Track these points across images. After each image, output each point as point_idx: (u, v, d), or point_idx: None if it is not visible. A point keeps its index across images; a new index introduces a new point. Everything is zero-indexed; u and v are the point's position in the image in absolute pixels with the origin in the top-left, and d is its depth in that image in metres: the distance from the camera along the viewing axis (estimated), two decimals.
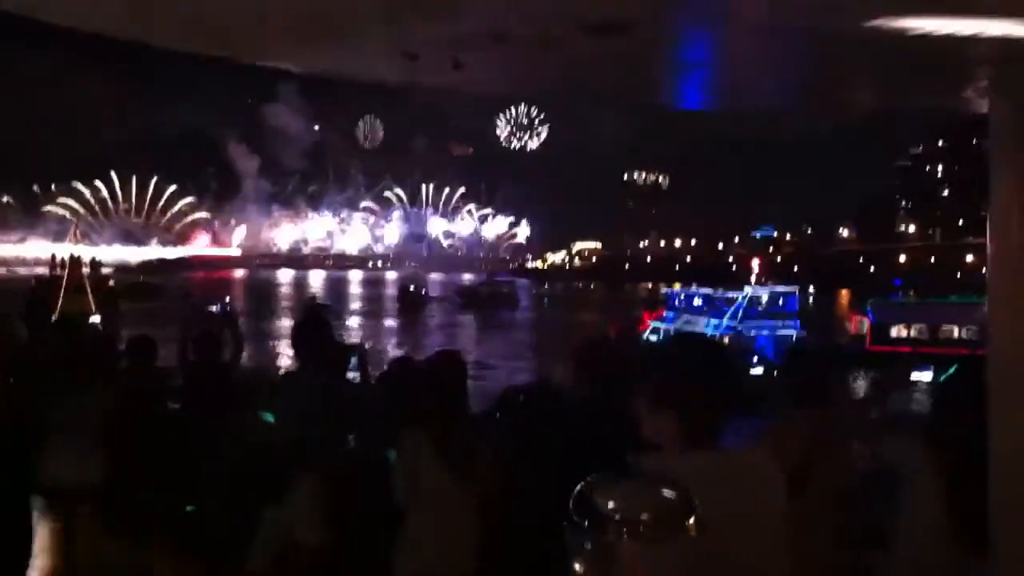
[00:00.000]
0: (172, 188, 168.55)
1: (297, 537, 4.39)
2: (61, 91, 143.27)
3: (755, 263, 42.53)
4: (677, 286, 55.49)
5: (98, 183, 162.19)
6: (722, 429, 2.26)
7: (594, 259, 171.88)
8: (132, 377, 5.56)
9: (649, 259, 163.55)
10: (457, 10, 2.16)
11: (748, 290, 38.18)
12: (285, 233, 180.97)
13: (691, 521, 1.62)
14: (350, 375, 5.62)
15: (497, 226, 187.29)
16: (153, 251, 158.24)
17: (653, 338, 33.40)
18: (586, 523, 1.60)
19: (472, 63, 2.50)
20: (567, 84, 3.39)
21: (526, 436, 4.34)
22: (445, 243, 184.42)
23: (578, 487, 1.63)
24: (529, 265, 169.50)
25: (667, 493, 1.67)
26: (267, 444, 4.85)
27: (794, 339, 34.20)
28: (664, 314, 39.02)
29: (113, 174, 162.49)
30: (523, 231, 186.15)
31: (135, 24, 2.59)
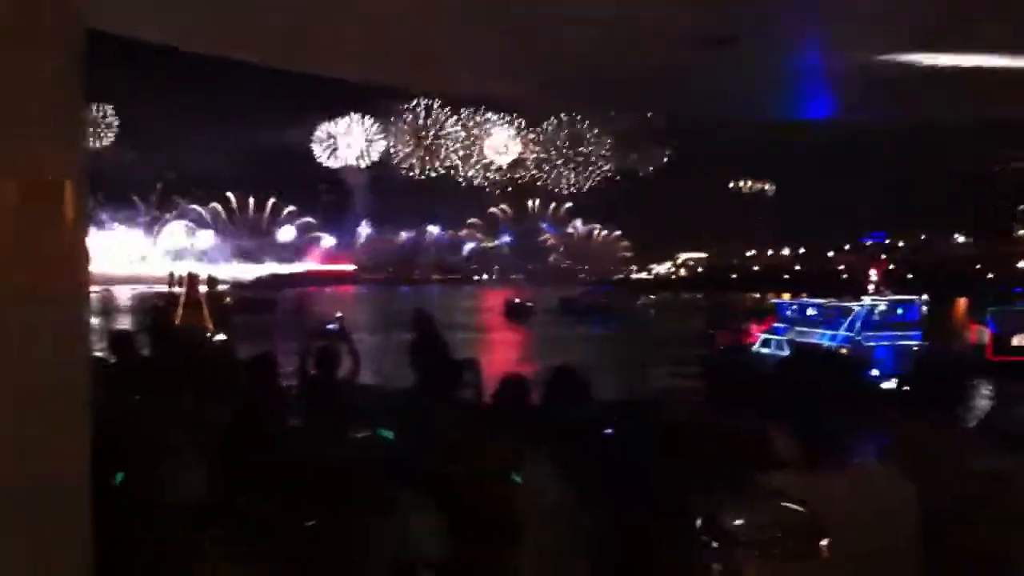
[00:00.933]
0: (289, 208, 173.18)
1: (419, 553, 4.42)
2: (176, 110, 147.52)
3: (872, 272, 41.16)
4: (786, 296, 54.16)
5: (215, 204, 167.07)
6: (849, 444, 2.19)
7: (700, 269, 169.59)
8: (252, 392, 5.69)
9: (756, 268, 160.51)
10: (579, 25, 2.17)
11: (867, 299, 37.05)
12: (393, 248, 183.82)
13: (822, 540, 1.57)
14: (465, 390, 5.66)
15: (602, 237, 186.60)
16: (268, 267, 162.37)
17: (764, 350, 32.75)
18: (715, 543, 1.57)
19: (584, 79, 2.51)
20: (680, 98, 3.37)
21: (646, 452, 4.28)
22: (551, 256, 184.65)
23: (706, 506, 1.60)
24: (634, 276, 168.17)
25: (795, 511, 1.63)
26: (386, 460, 4.92)
27: (915, 350, 33.03)
28: (775, 325, 38.15)
29: (230, 194, 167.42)
30: (627, 242, 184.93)
31: (239, 43, 2.67)
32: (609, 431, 5.05)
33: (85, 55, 1.40)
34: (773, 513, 1.69)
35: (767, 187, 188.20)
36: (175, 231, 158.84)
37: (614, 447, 4.58)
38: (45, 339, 1.44)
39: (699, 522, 1.64)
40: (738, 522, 1.64)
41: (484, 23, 2.28)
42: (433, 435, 4.68)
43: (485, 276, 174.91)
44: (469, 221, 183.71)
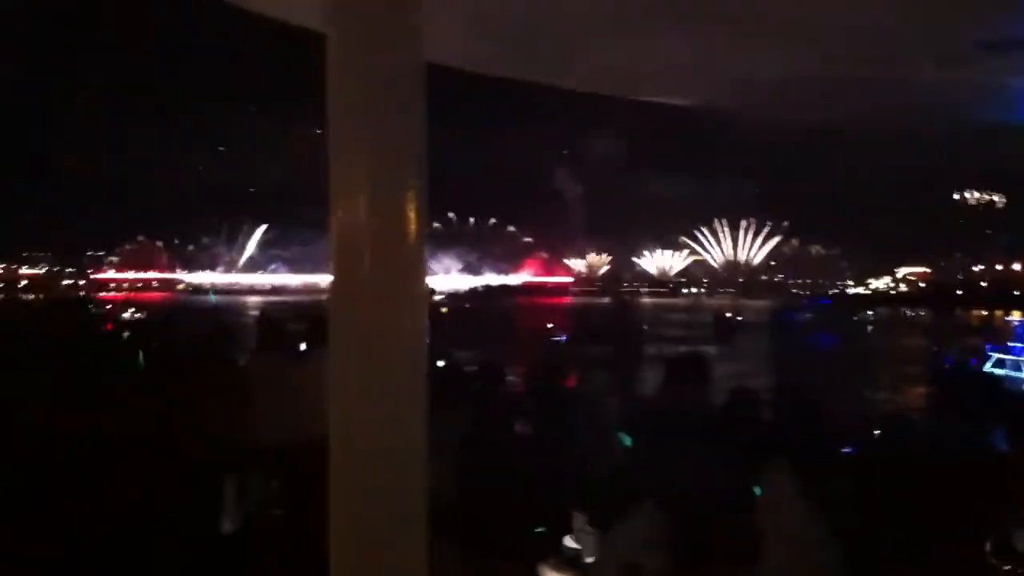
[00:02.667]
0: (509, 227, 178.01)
1: (638, 562, 4.48)
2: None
3: None
4: (1017, 314, 50.56)
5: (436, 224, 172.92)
6: None
7: (921, 284, 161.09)
8: (485, 399, 5.90)
9: (984, 284, 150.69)
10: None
11: None
12: (604, 261, 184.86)
13: None
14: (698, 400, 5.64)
15: (814, 251, 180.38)
16: (485, 279, 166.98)
17: (998, 371, 30.78)
18: (1006, 567, 1.56)
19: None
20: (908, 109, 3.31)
21: (887, 469, 4.18)
22: (763, 274, 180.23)
23: (994, 531, 1.58)
24: (850, 291, 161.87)
25: None
26: (619, 466, 5.02)
27: None
28: (1009, 344, 35.69)
29: (451, 215, 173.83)
30: (841, 256, 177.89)
31: (514, 62, 2.85)
32: (849, 449, 4.95)
33: (426, 86, 1.59)
34: None
35: (996, 198, 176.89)
36: None
37: (856, 461, 4.49)
38: (391, 338, 1.62)
39: (988, 546, 1.65)
40: None
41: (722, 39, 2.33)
42: (669, 445, 4.71)
43: (694, 289, 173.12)
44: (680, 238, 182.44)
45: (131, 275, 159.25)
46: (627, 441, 5.24)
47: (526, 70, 2.80)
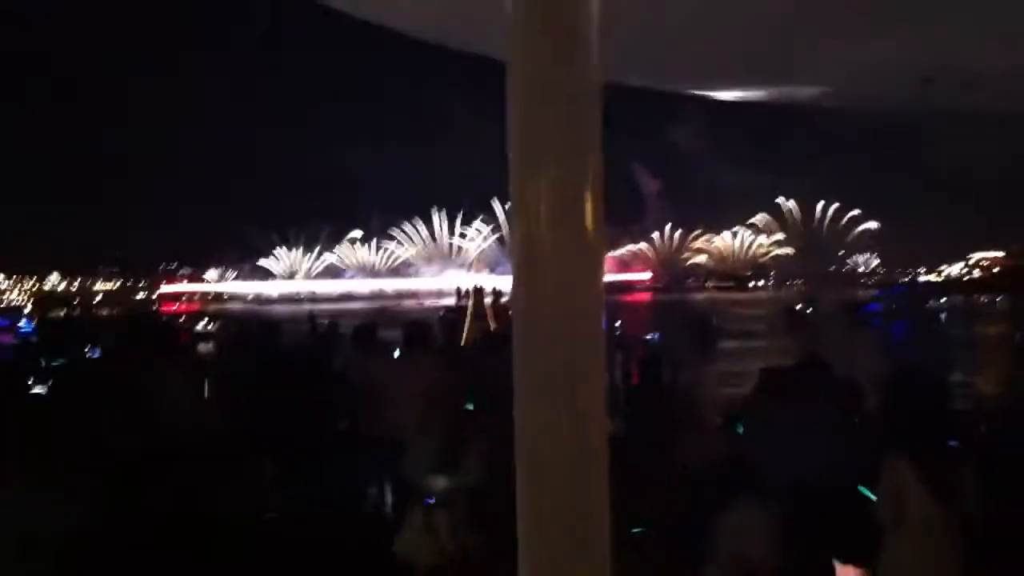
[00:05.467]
0: None
1: (744, 552, 4.52)
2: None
3: None
4: None
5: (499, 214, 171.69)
6: None
7: (996, 269, 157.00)
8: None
9: None
10: None
11: None
12: (669, 256, 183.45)
13: None
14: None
15: (881, 239, 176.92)
16: None
17: None
18: None
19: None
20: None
21: (1004, 460, 4.16)
22: (830, 264, 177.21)
23: None
24: (921, 278, 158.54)
25: None
26: (725, 461, 5.05)
27: None
28: None
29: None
30: (911, 242, 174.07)
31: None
32: (954, 442, 4.88)
33: (602, 106, 1.70)
34: None
35: None
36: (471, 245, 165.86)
37: (976, 453, 4.43)
38: (571, 341, 1.73)
39: None
40: None
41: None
42: (780, 442, 4.74)
43: (762, 282, 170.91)
44: (749, 221, 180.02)
45: (202, 287, 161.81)
46: (739, 428, 5.28)
47: (694, 84, 2.88)
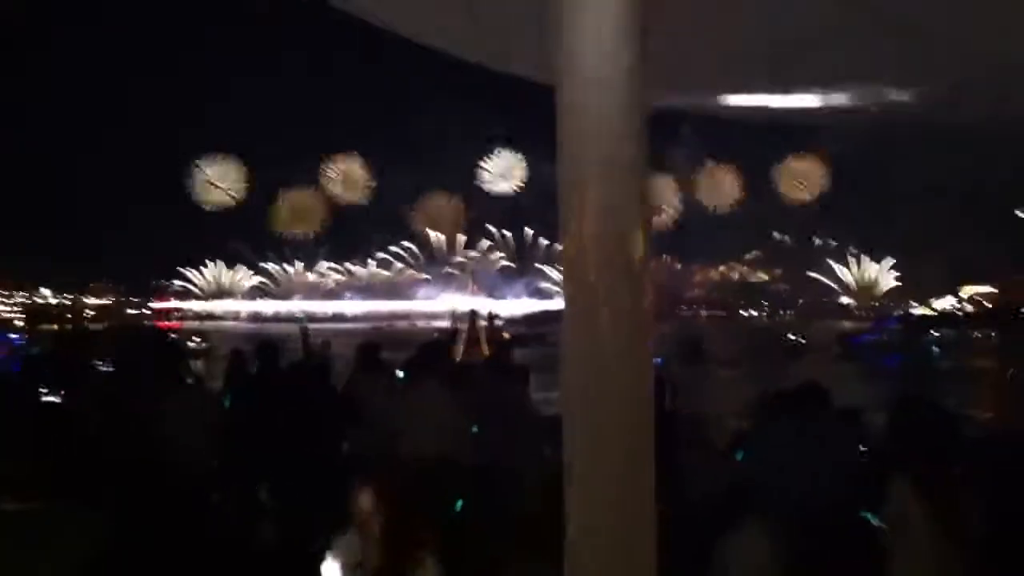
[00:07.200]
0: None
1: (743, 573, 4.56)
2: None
3: None
4: None
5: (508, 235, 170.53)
6: None
7: (988, 304, 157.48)
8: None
9: None
10: None
11: None
12: (660, 283, 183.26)
13: None
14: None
15: (874, 271, 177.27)
16: (551, 304, 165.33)
17: None
18: None
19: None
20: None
21: (1007, 484, 4.22)
22: (822, 295, 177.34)
23: None
24: (914, 311, 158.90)
25: None
26: (729, 484, 5.10)
27: None
28: None
29: (527, 228, 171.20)
30: (902, 274, 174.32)
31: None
32: (966, 459, 4.93)
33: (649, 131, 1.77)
34: None
35: None
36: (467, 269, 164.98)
37: (980, 475, 4.49)
38: (619, 357, 1.79)
39: None
40: None
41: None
42: (787, 463, 4.78)
43: (753, 312, 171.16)
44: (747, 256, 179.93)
45: (192, 305, 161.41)
46: (738, 456, 5.33)
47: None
